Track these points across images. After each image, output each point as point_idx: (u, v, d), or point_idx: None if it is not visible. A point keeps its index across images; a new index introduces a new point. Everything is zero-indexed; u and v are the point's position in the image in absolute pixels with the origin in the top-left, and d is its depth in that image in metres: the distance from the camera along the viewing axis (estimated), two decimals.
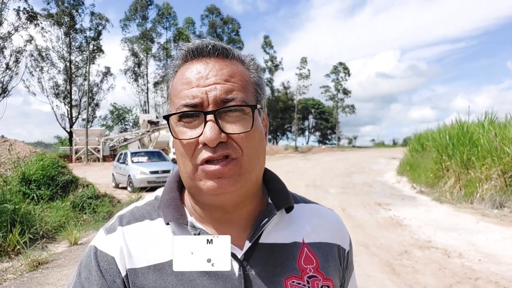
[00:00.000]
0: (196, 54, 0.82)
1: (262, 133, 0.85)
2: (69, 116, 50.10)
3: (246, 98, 0.80)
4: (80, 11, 51.05)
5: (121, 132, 45.94)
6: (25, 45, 44.97)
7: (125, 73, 58.06)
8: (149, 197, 0.94)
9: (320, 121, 79.92)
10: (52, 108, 49.17)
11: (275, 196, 0.90)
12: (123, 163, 15.63)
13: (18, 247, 5.83)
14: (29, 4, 44.56)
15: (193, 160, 0.78)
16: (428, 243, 6.59)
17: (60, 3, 48.92)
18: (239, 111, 0.78)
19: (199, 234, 0.81)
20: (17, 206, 6.29)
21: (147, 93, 59.18)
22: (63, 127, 49.83)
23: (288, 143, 67.79)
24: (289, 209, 0.89)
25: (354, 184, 15.18)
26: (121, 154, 17.12)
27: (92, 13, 52.13)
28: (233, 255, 0.81)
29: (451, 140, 12.31)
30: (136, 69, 58.48)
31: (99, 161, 33.71)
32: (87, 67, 48.37)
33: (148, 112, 54.85)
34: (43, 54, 47.87)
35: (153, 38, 59.37)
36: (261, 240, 0.85)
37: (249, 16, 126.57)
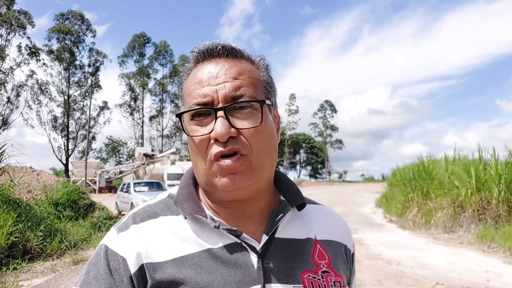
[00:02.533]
0: (207, 55, 0.86)
1: (273, 129, 0.87)
2: (66, 148, 51.37)
3: (255, 94, 0.82)
4: (80, 47, 53.12)
5: (116, 164, 47.44)
6: (26, 80, 46.93)
7: (121, 107, 59.71)
8: (162, 195, 0.95)
9: (311, 155, 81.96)
10: (49, 141, 50.43)
11: (287, 193, 0.93)
12: (126, 192, 17.30)
13: (58, 251, 7.49)
14: (31, 41, 46.34)
15: (207, 157, 0.80)
16: (377, 255, 8.27)
17: (61, 40, 50.99)
18: (249, 108, 0.81)
19: (218, 226, 0.82)
20: (52, 223, 7.97)
21: (142, 126, 60.76)
22: (59, 159, 51.09)
23: None
24: (300, 207, 0.92)
25: None
26: (124, 184, 18.88)
27: (91, 49, 54.11)
28: (252, 248, 0.82)
29: (414, 175, 14.18)
30: (132, 103, 60.24)
31: (95, 192, 35.01)
32: (86, 102, 50.37)
33: (143, 145, 56.09)
34: (43, 88, 49.45)
35: (149, 74, 61.35)
36: (277, 235, 0.86)
37: None
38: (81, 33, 52.91)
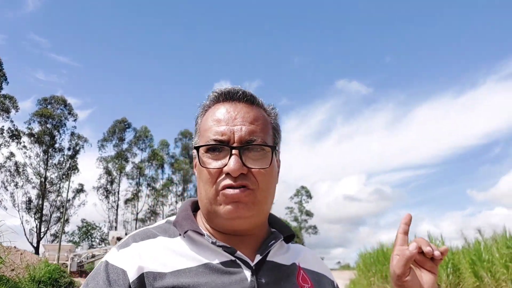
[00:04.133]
0: (228, 97, 0.95)
1: (276, 172, 0.97)
2: (38, 231, 50.45)
3: (266, 139, 0.92)
4: (61, 131, 54.09)
5: (89, 248, 46.71)
6: (5, 162, 47.36)
7: (97, 190, 59.55)
8: (160, 222, 1.01)
9: None
10: (22, 223, 49.37)
11: (277, 226, 1.05)
12: None
13: None
14: (14, 124, 47.39)
15: (215, 186, 0.88)
16: None
17: (43, 123, 51.95)
18: (260, 151, 0.90)
19: (215, 242, 0.89)
20: None
21: (117, 210, 60.15)
22: (29, 242, 49.90)
23: None
24: (288, 240, 1.04)
25: None
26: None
27: (72, 133, 55.06)
28: (246, 264, 0.90)
29: (374, 261, 15.30)
30: (108, 186, 60.19)
31: None
32: (63, 184, 50.52)
33: (117, 229, 55.54)
34: (20, 170, 49.63)
35: (127, 157, 61.94)
36: (268, 258, 0.95)
37: None
38: (63, 117, 54.07)
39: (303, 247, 1.14)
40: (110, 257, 0.88)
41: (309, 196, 76.96)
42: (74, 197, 54.20)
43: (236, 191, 0.86)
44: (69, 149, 54.82)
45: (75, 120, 55.72)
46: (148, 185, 62.64)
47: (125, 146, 62.60)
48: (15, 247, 11.91)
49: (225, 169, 0.87)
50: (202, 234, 0.91)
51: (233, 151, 0.87)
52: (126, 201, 60.90)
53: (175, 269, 0.85)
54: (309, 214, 76.69)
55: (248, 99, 0.95)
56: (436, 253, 0.90)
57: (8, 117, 46.59)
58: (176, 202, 64.21)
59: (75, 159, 55.11)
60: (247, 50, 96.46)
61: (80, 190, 54.95)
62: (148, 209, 61.75)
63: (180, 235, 0.93)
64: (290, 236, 1.04)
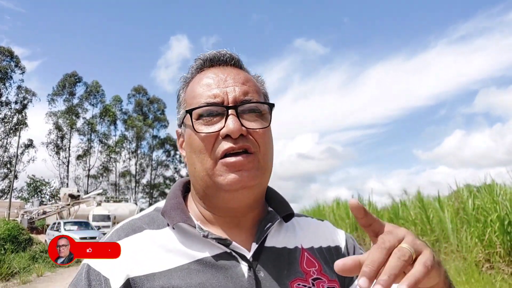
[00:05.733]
0: (214, 61, 0.90)
1: (271, 135, 0.89)
2: None
3: (260, 99, 0.87)
4: (7, 84, 52.38)
5: (40, 205, 46.52)
6: None
7: (47, 146, 58.66)
8: (147, 209, 0.93)
9: None
10: None
11: (275, 204, 0.94)
12: (57, 230, 18.80)
13: (6, 276, 9.08)
14: None
15: (212, 155, 0.80)
16: None
17: None
18: (257, 112, 0.84)
19: (207, 236, 0.81)
20: None
21: (68, 166, 59.78)
22: None
23: None
24: (287, 218, 0.93)
25: None
26: (54, 223, 20.58)
27: (19, 87, 53.46)
28: (242, 257, 0.82)
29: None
30: (58, 142, 59.41)
31: None
32: (10, 139, 49.45)
33: (68, 186, 55.24)
34: None
35: (78, 113, 60.95)
36: (266, 244, 0.87)
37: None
38: (9, 70, 52.32)
39: (303, 220, 1.02)
40: (91, 260, 0.80)
41: None
42: (22, 153, 53.34)
43: (238, 158, 0.80)
44: (16, 103, 53.42)
45: (22, 73, 54.07)
46: (100, 141, 62.24)
47: (75, 101, 61.55)
48: None
49: (224, 131, 0.80)
50: (193, 226, 0.83)
51: (230, 111, 0.81)
52: (78, 157, 60.36)
53: (165, 269, 0.78)
54: None
55: (235, 62, 0.91)
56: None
57: None
58: (130, 159, 64.35)
59: (23, 114, 53.76)
60: (205, 4, 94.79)
61: (29, 145, 54.17)
62: (101, 165, 61.60)
63: (168, 225, 0.86)
64: (289, 215, 0.93)
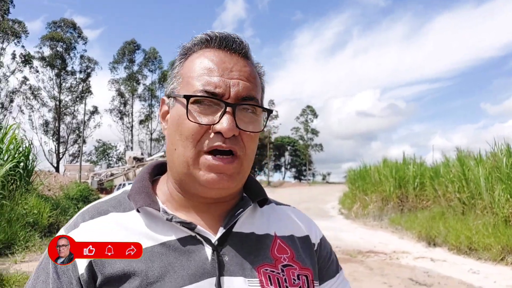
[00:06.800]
0: (222, 44, 0.82)
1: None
2: (57, 152, 53.55)
3: (259, 100, 0.83)
4: (71, 54, 55.19)
5: (107, 167, 49.66)
6: (20, 86, 49.20)
7: (111, 112, 61.56)
8: (115, 192, 0.91)
9: (295, 158, 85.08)
10: (41, 144, 51.30)
11: (250, 190, 0.91)
12: None
13: None
14: (25, 49, 48.38)
15: (198, 146, 0.77)
16: None
17: (53, 47, 53.02)
18: (252, 112, 0.81)
19: (171, 219, 0.79)
20: (74, 211, 11.01)
21: (131, 130, 62.54)
22: (50, 162, 52.21)
23: (265, 178, 72.42)
24: (262, 203, 0.91)
25: None
26: (121, 184, 22.57)
27: (82, 56, 56.07)
28: (207, 240, 0.80)
29: (357, 176, 17.48)
30: (122, 108, 62.13)
31: None
32: (77, 107, 52.66)
33: (133, 149, 58.05)
34: (35, 93, 51.67)
35: (139, 79, 63.21)
36: (235, 229, 0.84)
37: None
38: (73, 41, 54.85)
39: (284, 209, 0.99)
40: None
41: (315, 115, 79.00)
42: (89, 119, 56.28)
43: (222, 163, 0.76)
44: (80, 72, 56.22)
45: (85, 43, 56.53)
46: None
47: (135, 68, 63.58)
48: (49, 171, 14.17)
49: (217, 127, 0.76)
50: (157, 209, 0.80)
51: (228, 109, 0.76)
52: (140, 122, 63.11)
53: None
54: (314, 132, 79.31)
55: (245, 52, 0.84)
56: None
57: (19, 42, 47.40)
58: None
59: (88, 82, 56.68)
60: None
61: (94, 112, 57.16)
62: (161, 129, 63.65)
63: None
64: (262, 200, 0.91)
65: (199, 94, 0.77)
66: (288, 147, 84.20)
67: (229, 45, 0.82)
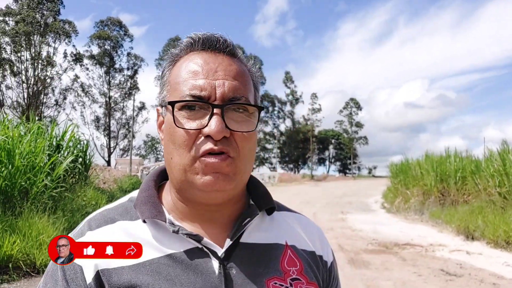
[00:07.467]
0: (206, 45, 0.81)
1: (257, 136, 0.85)
2: (108, 146, 55.84)
3: (249, 98, 0.80)
4: (119, 52, 57.25)
5: (156, 161, 51.52)
6: (72, 84, 51.64)
7: None
8: (122, 199, 0.91)
9: (339, 151, 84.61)
10: (93, 139, 52.59)
11: (257, 198, 0.89)
12: None
13: None
14: (76, 48, 50.71)
15: (192, 152, 0.76)
16: (348, 227, 11.66)
17: (101, 45, 55.28)
18: (243, 112, 0.78)
19: (177, 231, 0.78)
20: None
21: None
22: (102, 156, 54.37)
23: (308, 172, 72.58)
24: (270, 211, 0.89)
25: (338, 202, 20.24)
26: None
27: (129, 54, 58.10)
28: (213, 253, 0.79)
29: (398, 171, 17.54)
30: None
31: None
32: (126, 103, 54.72)
33: None
34: (86, 90, 54.07)
35: None
36: (242, 240, 0.83)
37: (277, 49, 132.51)
38: (119, 39, 56.87)
39: (296, 217, 0.97)
40: None
41: (359, 107, 78.22)
42: (137, 115, 58.19)
43: (217, 160, 0.75)
44: (128, 69, 58.09)
45: (131, 40, 58.50)
46: None
47: None
48: (104, 165, 15.21)
49: (206, 130, 0.75)
50: (163, 220, 0.80)
51: (215, 110, 0.75)
52: None
53: (134, 263, 0.76)
54: (359, 125, 78.54)
55: (230, 50, 0.82)
56: None
57: (70, 42, 49.50)
58: None
59: (135, 79, 58.57)
60: None
61: (142, 108, 59.09)
62: None
63: None
64: (271, 208, 0.89)
65: (185, 99, 0.77)
66: (332, 140, 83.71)
67: (213, 45, 0.82)
